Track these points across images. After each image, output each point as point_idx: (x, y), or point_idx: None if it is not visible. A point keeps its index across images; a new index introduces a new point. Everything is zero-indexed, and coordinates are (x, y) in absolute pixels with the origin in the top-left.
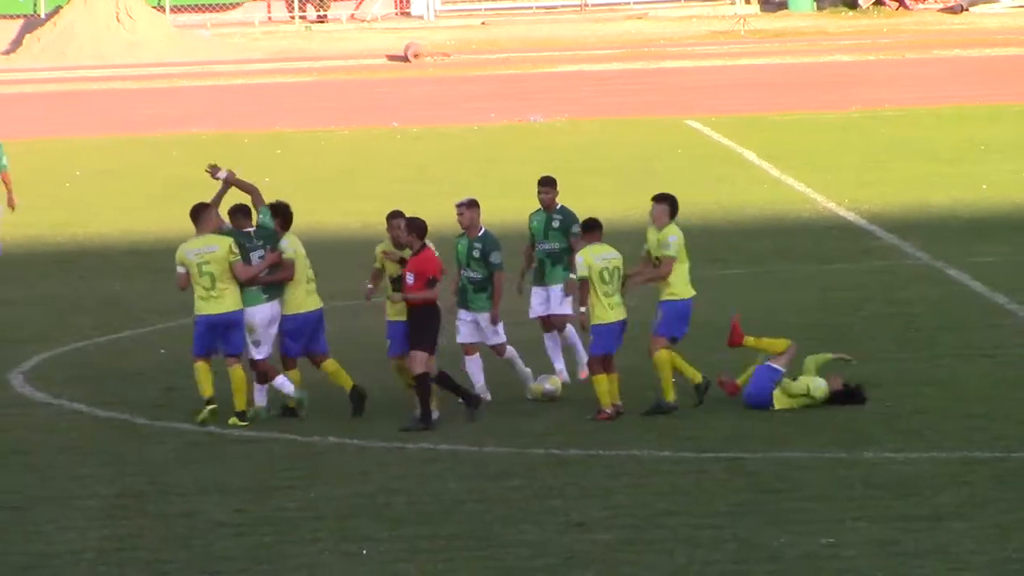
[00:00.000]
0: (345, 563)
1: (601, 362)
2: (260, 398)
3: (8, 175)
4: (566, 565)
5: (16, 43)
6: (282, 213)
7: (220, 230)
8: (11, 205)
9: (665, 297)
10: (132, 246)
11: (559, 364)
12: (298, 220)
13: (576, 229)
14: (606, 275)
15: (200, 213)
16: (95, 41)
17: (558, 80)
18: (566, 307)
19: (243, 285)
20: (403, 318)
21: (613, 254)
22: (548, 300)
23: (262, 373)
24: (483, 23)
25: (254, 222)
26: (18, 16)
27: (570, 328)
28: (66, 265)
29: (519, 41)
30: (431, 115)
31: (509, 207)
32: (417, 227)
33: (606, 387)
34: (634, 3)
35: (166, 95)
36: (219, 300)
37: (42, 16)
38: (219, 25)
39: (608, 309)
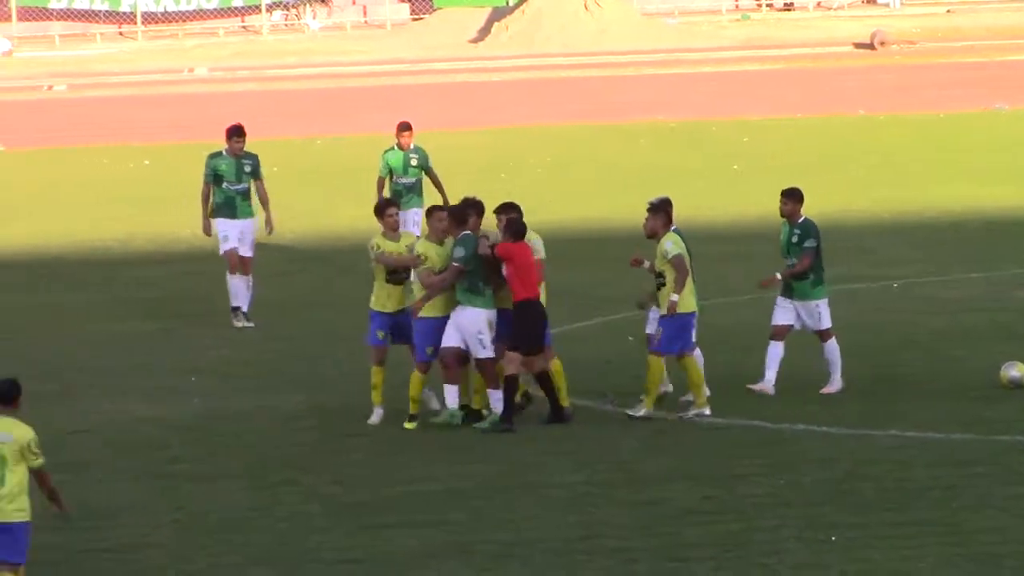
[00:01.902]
0: (811, 550)
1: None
2: (452, 399)
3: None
4: None
5: (484, 31)
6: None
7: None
8: (268, 227)
9: None
10: (586, 235)
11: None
12: (767, 209)
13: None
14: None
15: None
16: (563, 29)
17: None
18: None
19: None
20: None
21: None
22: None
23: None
24: (948, 11)
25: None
26: (486, 6)
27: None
28: None
29: (984, 29)
30: (897, 102)
31: (971, 194)
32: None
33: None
34: None
35: (633, 83)
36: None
37: (510, 4)
38: (686, 13)
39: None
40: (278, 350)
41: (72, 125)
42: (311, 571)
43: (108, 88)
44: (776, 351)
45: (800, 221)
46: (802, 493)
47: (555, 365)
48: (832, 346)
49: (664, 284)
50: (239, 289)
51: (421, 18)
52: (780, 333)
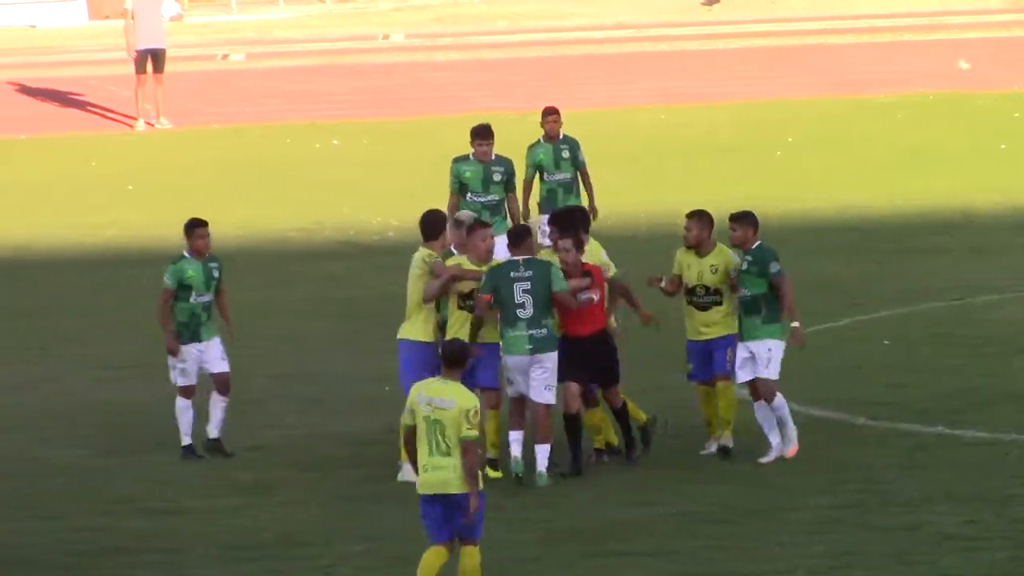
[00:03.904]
0: None
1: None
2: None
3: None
4: None
5: None
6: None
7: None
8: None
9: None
10: (846, 223)
11: None
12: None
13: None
14: None
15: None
16: None
17: None
18: None
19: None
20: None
21: None
22: None
23: None
24: None
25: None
26: None
27: None
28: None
29: None
30: None
31: None
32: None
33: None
34: None
35: (888, 50)
36: None
37: None
38: None
39: None
40: None
41: (250, 99)
42: None
43: (291, 57)
44: (763, 411)
45: (754, 247)
46: None
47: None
48: (777, 404)
49: (720, 303)
50: None
51: None
52: (755, 392)
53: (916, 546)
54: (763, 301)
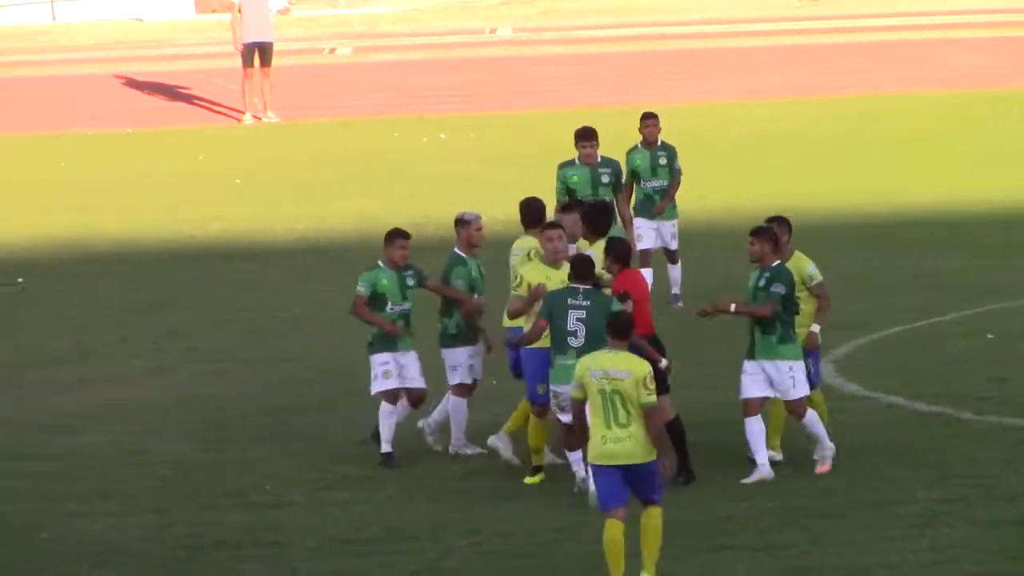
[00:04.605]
0: None
1: None
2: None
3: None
4: None
5: None
6: None
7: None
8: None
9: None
10: (946, 218)
11: None
12: None
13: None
14: None
15: None
16: None
17: None
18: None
19: None
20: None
21: None
22: None
23: None
24: None
25: None
26: None
27: None
28: (872, 240)
29: None
30: None
31: None
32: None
33: None
34: None
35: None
36: None
37: None
38: None
39: None
40: None
41: (357, 93)
42: None
43: (398, 51)
44: (755, 427)
45: (773, 266)
46: None
47: None
48: (808, 420)
49: (797, 313)
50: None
51: None
52: (754, 408)
53: (1022, 541)
54: (778, 320)
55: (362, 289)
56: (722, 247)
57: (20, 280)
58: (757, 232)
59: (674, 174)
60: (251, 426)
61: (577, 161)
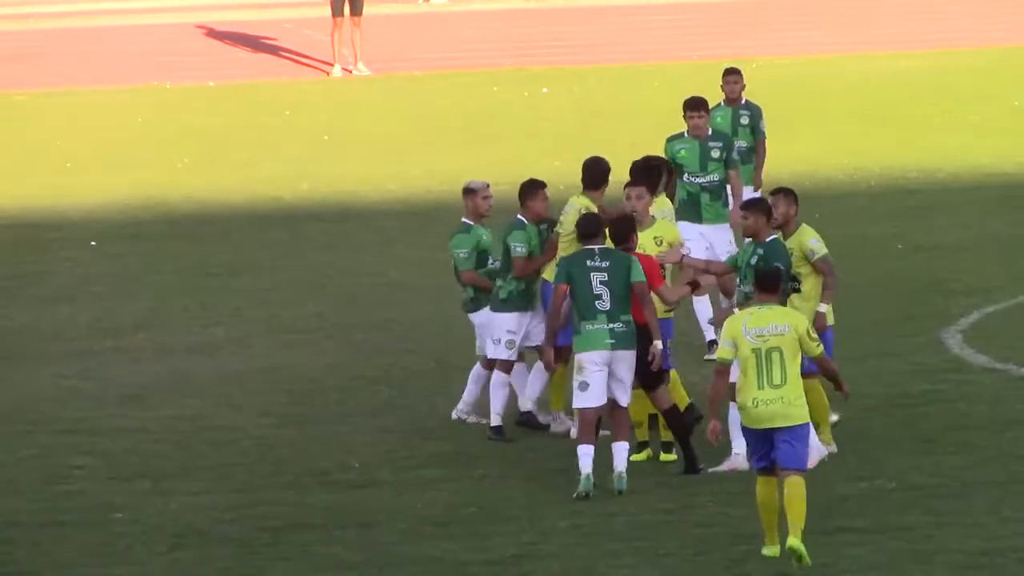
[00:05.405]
0: None
1: None
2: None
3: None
4: None
5: None
6: None
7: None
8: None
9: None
10: None
11: None
12: None
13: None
14: None
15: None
16: None
17: None
18: None
19: None
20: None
21: None
22: None
23: None
24: None
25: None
26: None
27: None
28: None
29: None
30: None
31: None
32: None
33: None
34: None
35: None
36: None
37: None
38: None
39: None
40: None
41: (453, 45)
42: None
43: (497, 0)
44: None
45: (768, 241)
46: None
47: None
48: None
49: (798, 290)
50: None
51: None
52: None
53: None
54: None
55: (520, 249)
56: (850, 207)
57: (93, 243)
58: (750, 205)
59: (757, 135)
60: (337, 400)
61: (686, 135)
